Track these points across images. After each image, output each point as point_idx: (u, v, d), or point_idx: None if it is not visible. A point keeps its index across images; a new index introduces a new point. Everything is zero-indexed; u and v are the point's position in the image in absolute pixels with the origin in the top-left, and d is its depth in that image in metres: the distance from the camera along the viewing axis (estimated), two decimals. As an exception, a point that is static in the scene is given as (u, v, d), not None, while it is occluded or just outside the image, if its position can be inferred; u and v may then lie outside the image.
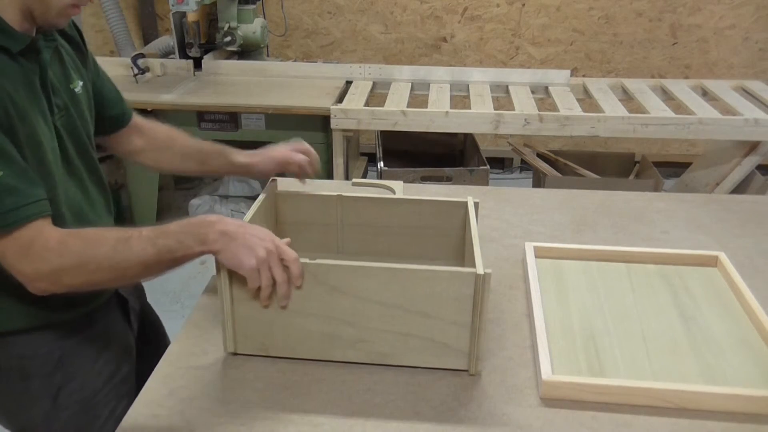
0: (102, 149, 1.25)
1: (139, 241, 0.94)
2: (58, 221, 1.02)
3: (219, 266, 0.98)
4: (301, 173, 1.28)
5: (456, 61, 3.72)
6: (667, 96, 2.88)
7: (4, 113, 0.93)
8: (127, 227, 0.98)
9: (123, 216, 3.00)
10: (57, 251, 0.93)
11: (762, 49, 3.60)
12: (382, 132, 2.98)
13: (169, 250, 0.94)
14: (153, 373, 1.02)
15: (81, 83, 1.13)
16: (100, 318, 1.18)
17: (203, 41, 3.05)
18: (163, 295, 2.70)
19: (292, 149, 1.28)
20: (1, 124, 0.93)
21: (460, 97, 2.97)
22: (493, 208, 1.56)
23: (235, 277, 0.98)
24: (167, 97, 2.72)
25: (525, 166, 3.84)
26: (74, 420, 1.14)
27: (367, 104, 2.71)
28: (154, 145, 1.30)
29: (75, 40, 1.16)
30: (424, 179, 2.65)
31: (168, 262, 0.95)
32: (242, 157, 1.28)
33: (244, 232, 0.95)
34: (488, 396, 0.98)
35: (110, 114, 1.24)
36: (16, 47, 0.97)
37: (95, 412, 1.14)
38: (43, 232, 0.94)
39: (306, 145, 1.29)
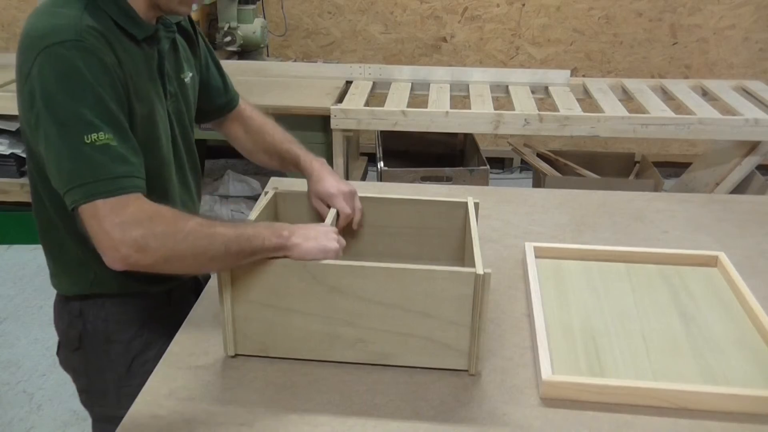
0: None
1: (222, 225, 0.98)
2: (161, 198, 1.07)
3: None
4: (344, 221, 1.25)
5: (456, 61, 3.72)
6: (667, 96, 2.88)
7: (125, 92, 1.00)
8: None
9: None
10: (150, 216, 0.94)
11: (762, 49, 3.60)
12: (382, 132, 2.98)
13: (248, 237, 0.98)
14: (153, 373, 1.02)
15: (190, 74, 1.21)
16: (178, 298, 1.26)
17: (203, 41, 3.04)
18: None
19: (348, 202, 1.24)
20: (122, 102, 0.99)
21: (460, 97, 2.97)
22: (493, 208, 1.56)
23: (235, 277, 0.99)
24: (167, 97, 2.71)
25: (525, 166, 3.84)
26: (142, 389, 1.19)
27: (367, 104, 2.70)
28: (247, 136, 1.37)
29: (188, 32, 1.24)
30: (424, 179, 2.64)
31: (246, 250, 0.98)
32: (314, 184, 1.27)
33: (312, 227, 1.06)
34: (488, 396, 0.98)
35: (216, 103, 1.34)
36: (141, 35, 1.05)
37: None
38: (138, 202, 0.95)
39: (358, 203, 1.26)
